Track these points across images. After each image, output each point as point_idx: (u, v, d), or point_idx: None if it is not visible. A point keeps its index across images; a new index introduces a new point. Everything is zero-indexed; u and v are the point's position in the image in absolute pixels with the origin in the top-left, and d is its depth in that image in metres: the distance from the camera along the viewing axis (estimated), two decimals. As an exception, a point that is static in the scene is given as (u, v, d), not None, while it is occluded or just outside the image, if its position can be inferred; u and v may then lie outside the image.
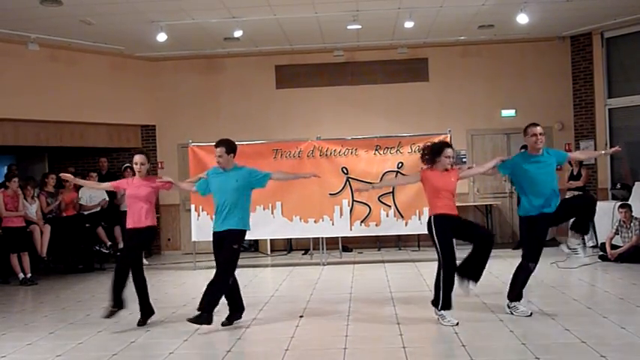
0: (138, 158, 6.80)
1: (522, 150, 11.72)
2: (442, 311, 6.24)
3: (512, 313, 6.45)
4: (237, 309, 6.69)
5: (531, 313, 6.41)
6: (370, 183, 9.54)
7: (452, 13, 10.66)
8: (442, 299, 6.24)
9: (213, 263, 6.57)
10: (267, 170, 7.08)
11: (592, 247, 11.33)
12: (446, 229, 6.28)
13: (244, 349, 5.80)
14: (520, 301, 6.53)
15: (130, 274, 6.67)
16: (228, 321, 6.58)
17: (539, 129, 6.38)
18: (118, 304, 6.62)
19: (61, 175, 7.52)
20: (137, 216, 6.69)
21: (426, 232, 6.51)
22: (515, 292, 6.52)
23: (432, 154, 6.41)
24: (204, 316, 6.24)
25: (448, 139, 10.15)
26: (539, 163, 6.37)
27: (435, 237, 6.29)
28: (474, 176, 7.82)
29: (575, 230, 6.68)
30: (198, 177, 6.94)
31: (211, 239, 6.76)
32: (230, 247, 6.44)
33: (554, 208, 6.34)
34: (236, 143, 6.68)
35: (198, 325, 6.27)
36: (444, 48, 12.99)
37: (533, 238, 6.41)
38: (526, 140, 6.52)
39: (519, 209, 6.61)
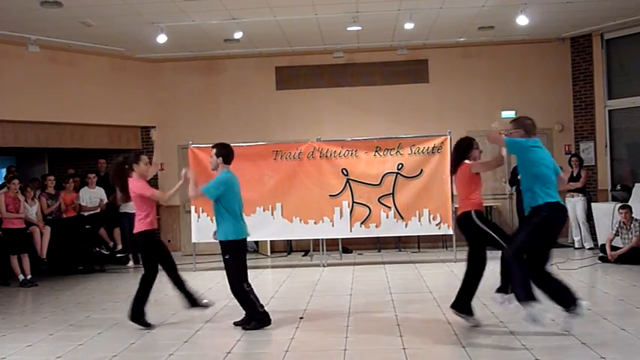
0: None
1: None
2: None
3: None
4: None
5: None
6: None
7: (452, 14, 10.66)
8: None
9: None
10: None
11: (590, 248, 11.37)
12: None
13: (244, 350, 5.80)
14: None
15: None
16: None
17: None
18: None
19: None
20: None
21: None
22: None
23: (464, 150, 6.47)
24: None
25: (448, 141, 10.22)
26: None
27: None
28: None
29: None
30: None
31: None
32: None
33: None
34: (233, 145, 6.76)
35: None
36: (444, 49, 12.99)
37: None
38: None
39: None
